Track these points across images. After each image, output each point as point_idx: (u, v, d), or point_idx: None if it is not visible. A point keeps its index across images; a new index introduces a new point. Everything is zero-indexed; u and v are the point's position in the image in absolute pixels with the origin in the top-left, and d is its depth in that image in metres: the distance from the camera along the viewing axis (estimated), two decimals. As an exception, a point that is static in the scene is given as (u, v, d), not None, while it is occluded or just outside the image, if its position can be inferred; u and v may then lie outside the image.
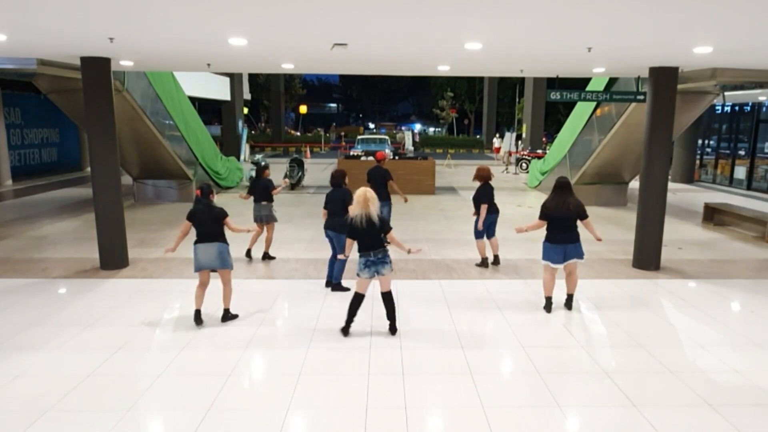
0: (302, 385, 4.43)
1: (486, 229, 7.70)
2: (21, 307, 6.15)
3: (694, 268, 7.98)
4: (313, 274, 7.47)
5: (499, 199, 14.62)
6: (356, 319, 5.92)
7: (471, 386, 4.43)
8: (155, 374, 4.59)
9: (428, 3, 4.29)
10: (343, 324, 5.44)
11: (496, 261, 7.92)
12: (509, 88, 42.26)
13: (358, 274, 5.28)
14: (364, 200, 5.18)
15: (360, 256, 5.25)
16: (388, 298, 5.40)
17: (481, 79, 42.19)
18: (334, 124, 49.32)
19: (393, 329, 5.45)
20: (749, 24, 4.84)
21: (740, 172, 17.63)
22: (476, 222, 7.65)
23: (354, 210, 5.23)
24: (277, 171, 19.00)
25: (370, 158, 17.03)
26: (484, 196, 7.54)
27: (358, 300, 5.37)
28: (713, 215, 11.24)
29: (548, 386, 4.44)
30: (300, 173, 16.68)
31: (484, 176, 7.62)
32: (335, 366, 4.79)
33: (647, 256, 7.90)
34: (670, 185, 9.49)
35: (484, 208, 7.50)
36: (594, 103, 12.73)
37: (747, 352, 5.13)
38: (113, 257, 7.69)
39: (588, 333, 5.59)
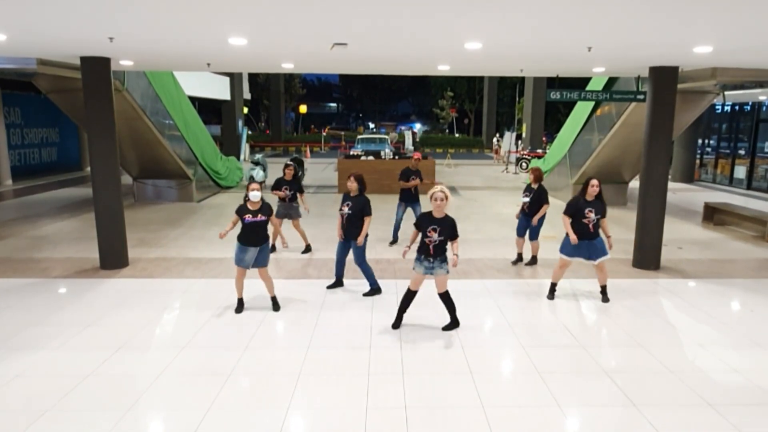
0: (302, 385, 4.43)
1: (534, 229, 7.85)
2: (21, 307, 6.15)
3: (694, 267, 7.97)
4: (313, 274, 7.47)
5: (499, 198, 14.68)
6: (355, 318, 5.93)
7: (471, 386, 4.43)
8: (155, 374, 4.59)
9: (428, 3, 4.29)
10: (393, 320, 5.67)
11: (534, 261, 8.07)
12: (509, 88, 42.22)
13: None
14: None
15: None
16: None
17: (481, 79, 42.16)
18: (334, 123, 49.31)
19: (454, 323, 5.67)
20: (749, 24, 4.84)
21: (740, 171, 17.63)
22: (531, 221, 7.76)
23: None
24: (277, 171, 19.00)
25: (370, 158, 17.00)
26: (545, 196, 7.76)
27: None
28: (713, 215, 11.24)
29: (548, 386, 4.44)
30: (300, 173, 16.67)
31: (540, 177, 7.82)
32: (335, 366, 4.79)
33: (647, 255, 7.90)
34: (670, 185, 9.50)
35: (545, 207, 7.70)
36: (594, 103, 12.73)
37: (747, 352, 5.13)
38: (113, 257, 7.69)
39: (588, 333, 5.59)
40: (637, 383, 4.50)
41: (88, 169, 11.00)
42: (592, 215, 6.16)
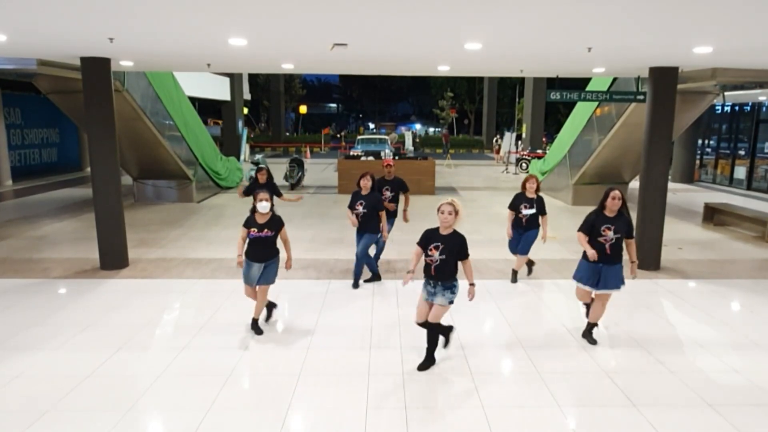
0: (302, 385, 4.43)
1: (530, 243, 7.04)
2: (21, 307, 6.15)
3: (694, 268, 7.97)
4: (313, 275, 7.47)
5: (499, 199, 14.66)
6: (355, 318, 5.92)
7: (471, 386, 4.43)
8: (155, 374, 4.59)
9: (428, 3, 4.30)
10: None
11: (515, 277, 7.28)
12: (509, 88, 42.25)
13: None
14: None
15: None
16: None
17: (481, 79, 42.17)
18: (334, 124, 49.30)
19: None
20: (749, 24, 4.85)
21: (740, 172, 17.63)
22: (532, 237, 6.98)
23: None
24: (277, 171, 19.00)
25: (370, 158, 17.01)
26: (545, 207, 7.04)
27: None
28: (713, 215, 11.24)
29: (548, 386, 4.44)
30: (300, 173, 16.68)
31: (540, 187, 7.11)
32: (335, 366, 4.79)
33: (647, 256, 7.89)
34: (670, 185, 9.49)
35: (546, 219, 7.01)
36: (594, 103, 12.74)
37: (747, 352, 5.13)
38: (113, 257, 7.69)
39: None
40: (637, 383, 4.50)
41: (88, 169, 11.00)
42: (610, 233, 5.03)
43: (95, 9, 4.55)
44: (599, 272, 5.11)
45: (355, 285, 6.94)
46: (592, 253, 4.99)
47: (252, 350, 5.09)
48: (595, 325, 5.34)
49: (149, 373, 4.60)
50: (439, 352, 5.05)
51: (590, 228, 5.14)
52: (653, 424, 3.89)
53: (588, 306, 5.40)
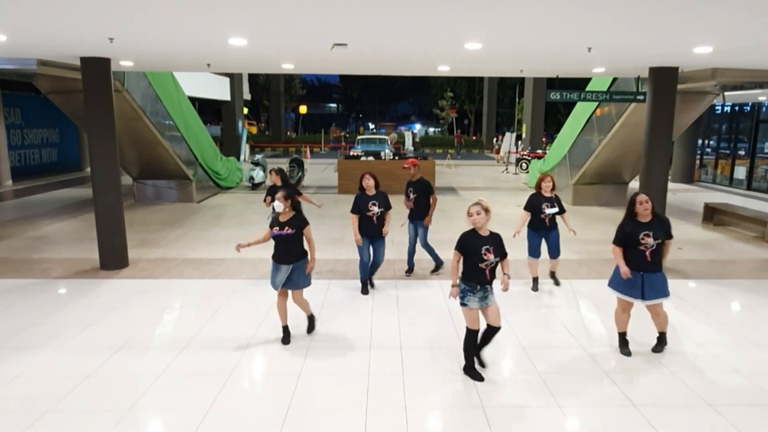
0: (302, 385, 4.43)
1: (558, 244, 6.87)
2: (21, 307, 6.15)
3: (694, 268, 7.97)
4: (313, 275, 7.44)
5: (499, 199, 14.67)
6: (356, 318, 5.91)
7: (471, 386, 4.43)
8: (155, 374, 4.59)
9: (428, 3, 4.30)
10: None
11: (556, 280, 7.12)
12: (509, 88, 42.27)
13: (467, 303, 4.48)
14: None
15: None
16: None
17: (481, 79, 42.19)
18: (334, 124, 49.30)
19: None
20: (749, 24, 4.85)
21: (740, 172, 17.63)
22: (557, 236, 6.81)
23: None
24: (277, 171, 19.02)
25: (370, 158, 17.01)
26: (562, 204, 6.83)
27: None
28: (713, 215, 11.24)
29: (548, 386, 4.44)
30: (300, 173, 16.68)
31: (555, 185, 6.90)
32: (335, 366, 4.79)
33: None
34: (670, 185, 9.49)
35: (566, 216, 6.81)
36: (594, 103, 12.74)
37: (747, 353, 5.13)
38: (113, 257, 7.69)
39: (588, 333, 5.58)
40: (637, 383, 4.50)
41: (88, 169, 11.00)
42: (650, 240, 4.74)
43: (95, 9, 4.56)
44: (642, 282, 4.85)
45: (365, 290, 6.72)
46: (625, 271, 4.80)
47: (252, 350, 5.09)
48: (663, 333, 5.15)
49: (149, 373, 4.60)
50: (439, 351, 5.06)
51: (625, 238, 4.87)
52: (653, 424, 3.89)
53: (623, 337, 5.14)
